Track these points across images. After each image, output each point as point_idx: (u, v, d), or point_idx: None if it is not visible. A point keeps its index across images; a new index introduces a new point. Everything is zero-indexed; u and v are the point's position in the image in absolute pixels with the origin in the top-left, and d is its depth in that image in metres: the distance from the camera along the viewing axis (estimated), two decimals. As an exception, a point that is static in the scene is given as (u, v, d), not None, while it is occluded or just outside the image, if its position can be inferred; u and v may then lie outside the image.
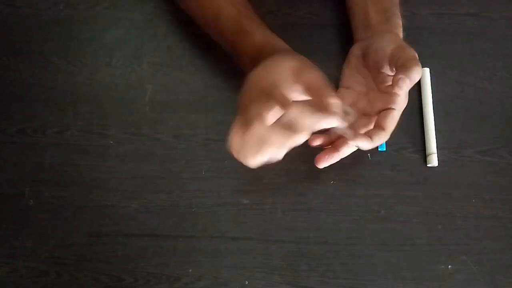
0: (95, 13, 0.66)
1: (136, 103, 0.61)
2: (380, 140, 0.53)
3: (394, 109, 0.52)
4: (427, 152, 0.58)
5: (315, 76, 0.46)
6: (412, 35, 0.64)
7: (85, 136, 0.59)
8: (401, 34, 0.57)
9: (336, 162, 0.58)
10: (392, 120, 0.53)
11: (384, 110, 0.53)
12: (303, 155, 0.58)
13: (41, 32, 0.64)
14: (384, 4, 0.59)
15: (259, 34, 0.53)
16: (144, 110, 0.61)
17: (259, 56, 0.50)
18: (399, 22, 0.58)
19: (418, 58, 0.52)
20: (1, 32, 0.65)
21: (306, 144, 0.58)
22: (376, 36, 0.56)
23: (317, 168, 0.54)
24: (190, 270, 0.54)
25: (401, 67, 0.51)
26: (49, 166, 0.58)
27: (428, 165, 0.58)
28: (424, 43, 0.64)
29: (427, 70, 0.62)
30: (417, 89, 0.61)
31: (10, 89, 0.62)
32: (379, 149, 0.58)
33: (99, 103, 0.61)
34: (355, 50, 0.58)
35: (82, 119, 0.60)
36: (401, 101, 0.53)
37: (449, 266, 0.54)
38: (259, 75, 0.46)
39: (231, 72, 0.62)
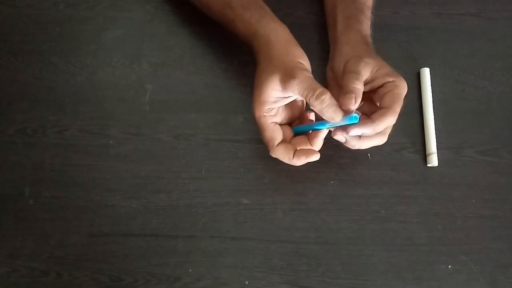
0: (95, 13, 0.66)
1: (136, 103, 0.61)
2: (390, 121, 0.50)
3: (393, 89, 0.51)
4: (427, 152, 0.58)
5: (301, 82, 0.49)
6: (412, 35, 0.64)
7: (85, 136, 0.59)
8: (364, 39, 0.56)
9: (336, 162, 0.58)
10: (395, 100, 0.50)
11: (386, 93, 0.52)
12: (303, 155, 0.58)
13: (41, 32, 0.64)
14: (349, 12, 0.58)
15: (240, 24, 0.55)
16: (144, 110, 0.61)
17: (252, 48, 0.54)
18: (361, 27, 0.57)
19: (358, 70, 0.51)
20: (1, 32, 0.65)
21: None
22: (336, 52, 0.56)
23: (317, 168, 0.54)
24: (190, 270, 0.54)
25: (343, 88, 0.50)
26: (49, 166, 0.58)
27: (428, 165, 0.58)
28: (424, 43, 0.64)
29: (427, 70, 0.62)
30: (417, 89, 0.61)
31: (10, 89, 0.62)
32: (350, 120, 0.50)
33: (99, 103, 0.61)
34: (328, 72, 0.58)
35: (82, 119, 0.60)
36: (400, 85, 0.51)
37: (449, 266, 0.54)
38: (255, 106, 0.51)
39: (231, 72, 0.62)
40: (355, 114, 0.49)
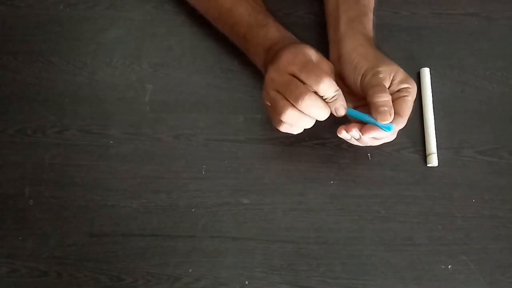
0: (95, 13, 0.66)
1: (136, 103, 0.61)
2: (399, 126, 0.52)
3: (407, 95, 0.52)
4: (427, 152, 0.58)
5: (329, 69, 0.51)
6: (412, 35, 0.64)
7: (85, 136, 0.59)
8: (369, 42, 0.56)
9: (336, 162, 0.58)
10: (407, 106, 0.52)
11: (398, 98, 0.52)
12: (303, 155, 0.58)
13: (41, 32, 0.64)
14: (353, 13, 0.57)
15: (274, 28, 0.56)
16: (144, 110, 0.61)
17: (275, 47, 0.53)
18: (364, 30, 0.56)
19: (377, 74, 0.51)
20: (1, 32, 0.65)
21: (305, 143, 0.58)
22: (344, 59, 0.55)
23: (317, 168, 0.54)
24: (190, 270, 0.54)
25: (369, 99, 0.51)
26: (49, 166, 0.58)
27: (428, 165, 0.58)
28: (424, 43, 0.64)
29: (427, 70, 0.62)
30: (417, 89, 0.61)
31: (10, 89, 0.62)
32: (385, 129, 0.51)
33: (99, 103, 0.61)
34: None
35: (82, 119, 0.60)
36: (412, 91, 0.52)
37: (449, 266, 0.54)
38: (288, 57, 0.50)
39: (232, 72, 0.62)
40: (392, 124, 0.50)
